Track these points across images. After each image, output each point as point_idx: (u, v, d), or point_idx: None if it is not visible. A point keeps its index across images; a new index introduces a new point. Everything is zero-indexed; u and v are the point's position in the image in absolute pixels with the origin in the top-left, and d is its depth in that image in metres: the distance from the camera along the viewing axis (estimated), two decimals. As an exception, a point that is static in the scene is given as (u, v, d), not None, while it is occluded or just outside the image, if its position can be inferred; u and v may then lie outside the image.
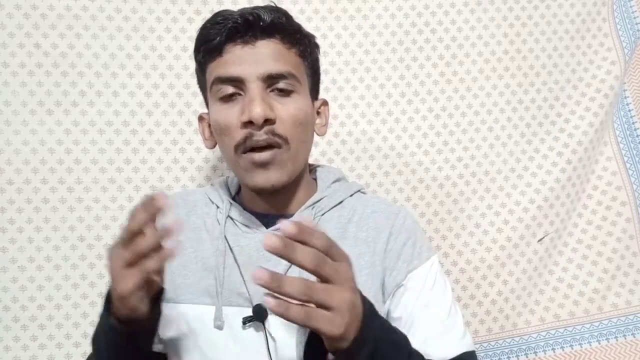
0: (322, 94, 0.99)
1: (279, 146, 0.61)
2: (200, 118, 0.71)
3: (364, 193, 0.73)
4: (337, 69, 1.00)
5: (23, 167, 0.89)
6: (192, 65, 0.94)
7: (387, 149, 1.01)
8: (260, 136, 0.59)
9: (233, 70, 0.60)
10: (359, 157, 1.00)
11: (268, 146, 0.60)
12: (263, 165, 0.60)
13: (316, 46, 0.69)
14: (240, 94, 0.61)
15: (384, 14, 1.02)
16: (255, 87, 0.60)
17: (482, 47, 1.05)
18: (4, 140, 0.88)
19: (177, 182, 0.94)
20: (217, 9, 0.95)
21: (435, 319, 0.63)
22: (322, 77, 0.99)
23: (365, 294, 0.61)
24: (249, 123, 0.59)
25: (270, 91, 0.62)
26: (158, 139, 0.94)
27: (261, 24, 0.61)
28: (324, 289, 0.42)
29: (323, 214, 0.66)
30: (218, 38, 0.61)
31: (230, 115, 0.61)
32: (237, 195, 0.73)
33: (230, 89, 0.61)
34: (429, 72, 1.03)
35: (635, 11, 1.10)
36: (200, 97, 0.94)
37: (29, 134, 0.89)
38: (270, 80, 0.61)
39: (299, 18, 0.98)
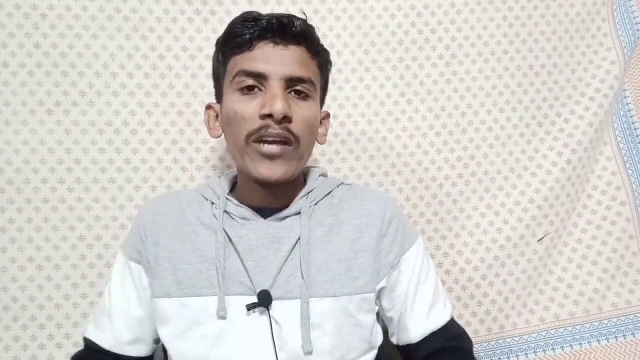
0: (322, 94, 1.00)
1: (290, 143, 0.65)
2: (209, 107, 0.74)
3: (348, 185, 0.78)
4: (337, 69, 1.00)
5: (23, 167, 0.89)
6: (192, 65, 0.95)
7: (387, 149, 1.01)
8: (276, 130, 0.63)
9: (260, 66, 0.64)
10: (359, 157, 1.00)
11: (280, 141, 0.64)
12: (271, 157, 0.64)
13: (331, 62, 0.75)
14: (260, 89, 0.65)
15: (384, 14, 1.02)
16: (277, 86, 0.64)
17: (482, 47, 1.05)
18: (4, 140, 0.89)
19: (177, 182, 0.94)
20: (217, 9, 0.96)
21: (425, 295, 0.73)
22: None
23: (362, 274, 0.68)
24: (268, 116, 0.62)
25: (289, 92, 0.66)
26: (158, 139, 0.94)
27: (294, 29, 0.65)
28: None
29: (316, 203, 0.71)
30: (249, 35, 0.65)
31: (249, 106, 0.64)
32: (231, 193, 0.75)
33: (251, 82, 0.64)
34: (428, 72, 1.03)
35: (635, 11, 1.11)
36: (201, 97, 0.95)
37: (29, 134, 0.89)
38: (291, 83, 0.65)
39: (299, 18, 0.99)
